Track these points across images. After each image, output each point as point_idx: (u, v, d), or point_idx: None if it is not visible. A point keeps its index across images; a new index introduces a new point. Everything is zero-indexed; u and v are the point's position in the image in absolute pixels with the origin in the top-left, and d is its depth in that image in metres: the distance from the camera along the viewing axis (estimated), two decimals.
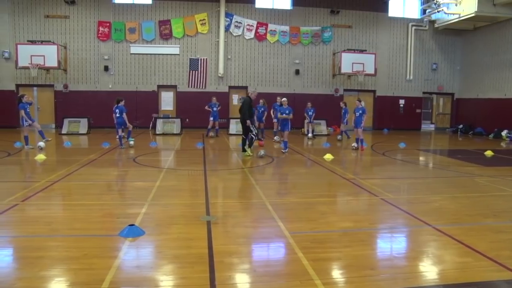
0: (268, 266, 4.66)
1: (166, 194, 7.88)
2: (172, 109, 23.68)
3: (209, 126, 19.40)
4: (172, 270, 4.47)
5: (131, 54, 22.99)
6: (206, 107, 19.44)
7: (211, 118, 19.27)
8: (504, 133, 22.08)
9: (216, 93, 23.12)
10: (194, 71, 23.50)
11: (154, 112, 22.57)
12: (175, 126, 20.68)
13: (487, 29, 24.35)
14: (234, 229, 5.88)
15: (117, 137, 14.90)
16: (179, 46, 23.34)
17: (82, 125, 20.12)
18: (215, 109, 19.21)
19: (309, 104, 19.58)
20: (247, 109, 13.03)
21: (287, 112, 14.33)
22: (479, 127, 24.38)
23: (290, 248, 5.13)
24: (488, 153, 15.07)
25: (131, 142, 15.13)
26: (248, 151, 13.09)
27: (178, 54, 23.40)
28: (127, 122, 14.86)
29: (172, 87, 23.66)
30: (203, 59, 23.50)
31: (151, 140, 17.39)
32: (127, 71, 23.09)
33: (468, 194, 8.60)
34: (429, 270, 4.68)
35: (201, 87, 23.53)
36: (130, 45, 22.94)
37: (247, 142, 13.15)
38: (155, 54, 23.22)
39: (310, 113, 19.49)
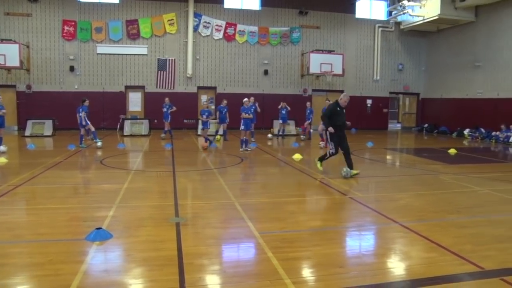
0: (238, 266, 4.67)
1: (134, 196, 7.77)
2: (140, 110, 23.36)
3: (165, 128, 19.02)
4: (141, 273, 4.41)
5: (97, 54, 22.55)
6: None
7: (164, 120, 18.97)
8: (466, 131, 22.84)
9: (185, 94, 23.02)
10: (162, 72, 23.26)
11: (122, 113, 22.20)
12: (143, 127, 20.42)
13: (450, 31, 25.11)
14: (204, 230, 5.85)
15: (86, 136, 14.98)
16: (147, 46, 23.05)
17: (47, 126, 19.59)
18: (165, 110, 18.86)
19: (282, 104, 19.67)
20: (328, 114, 10.21)
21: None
22: (443, 126, 25.11)
23: (260, 248, 5.14)
24: (452, 151, 15.53)
25: (99, 144, 14.86)
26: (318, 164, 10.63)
27: (146, 54, 23.11)
28: (83, 121, 14.85)
29: (140, 87, 23.35)
30: (172, 59, 23.29)
31: (118, 141, 17.10)
32: (93, 72, 22.63)
33: (433, 191, 8.83)
34: (396, 266, 4.79)
35: (169, 88, 23.31)
36: (97, 45, 22.50)
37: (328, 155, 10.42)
38: (122, 54, 22.85)
39: (283, 112, 19.57)
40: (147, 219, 6.30)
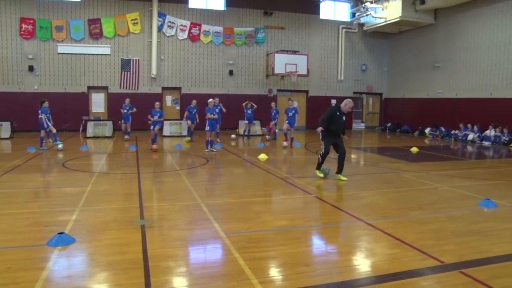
0: (205, 268, 4.64)
1: (98, 199, 7.61)
2: (103, 111, 22.89)
3: (123, 129, 18.72)
4: (105, 278, 4.32)
5: (58, 53, 21.91)
6: (121, 109, 18.89)
7: (122, 121, 18.62)
8: (427, 130, 23.53)
9: (149, 94, 22.71)
10: (126, 72, 22.87)
11: (84, 114, 21.69)
12: (107, 128, 20.00)
13: (411, 33, 25.82)
14: (170, 232, 5.80)
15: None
16: (110, 46, 22.60)
17: (5, 128, 18.88)
18: (125, 111, 18.52)
19: (248, 104, 19.70)
20: (325, 117, 9.92)
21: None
22: (406, 125, 25.78)
23: (226, 249, 5.14)
24: (414, 149, 15.97)
25: (60, 146, 14.47)
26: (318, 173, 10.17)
27: (109, 54, 22.66)
28: (44, 123, 14.54)
29: (103, 88, 22.87)
30: (135, 59, 22.94)
31: (81, 143, 16.70)
32: (54, 72, 21.98)
33: (396, 189, 9.05)
34: (361, 263, 4.89)
35: (133, 88, 22.95)
36: (57, 44, 21.86)
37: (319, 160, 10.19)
38: (84, 54, 22.29)
39: (249, 112, 19.60)
40: (112, 222, 6.19)
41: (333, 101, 12.08)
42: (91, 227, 5.97)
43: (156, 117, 15.25)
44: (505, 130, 19.14)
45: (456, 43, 22.44)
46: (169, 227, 6.02)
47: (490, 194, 8.21)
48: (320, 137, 10.08)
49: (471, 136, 20.40)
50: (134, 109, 18.59)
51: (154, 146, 14.72)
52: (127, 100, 18.85)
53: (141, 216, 6.46)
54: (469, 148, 18.40)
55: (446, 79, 23.22)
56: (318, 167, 10.15)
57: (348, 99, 10.05)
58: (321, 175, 10.05)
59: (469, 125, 20.99)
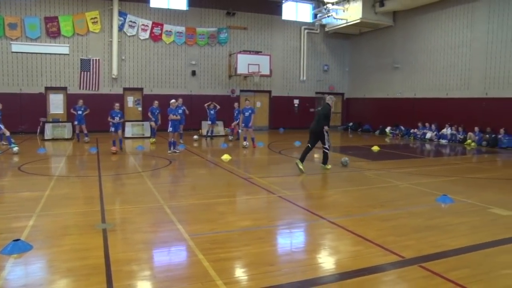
0: (169, 270, 4.58)
1: (57, 204, 7.38)
2: (62, 112, 22.21)
3: (77, 131, 18.21)
4: (65, 285, 4.19)
5: (12, 52, 21.04)
6: (72, 110, 18.38)
7: (76, 122, 18.04)
8: (388, 129, 24.11)
9: (110, 95, 22.24)
10: (85, 72, 22.31)
11: (42, 116, 20.99)
12: (66, 130, 19.45)
13: (371, 34, 26.41)
14: (133, 236, 5.70)
15: None
16: (68, 45, 21.95)
17: None
18: (80, 112, 17.98)
19: (212, 104, 19.62)
20: (328, 118, 11.20)
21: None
22: (367, 125, 26.34)
23: (191, 251, 5.10)
24: (375, 148, 16.34)
25: (15, 149, 13.93)
26: (328, 166, 11.40)
27: (68, 54, 22.00)
28: None
29: (62, 89, 22.20)
30: (95, 59, 22.40)
31: (39, 146, 16.16)
32: (8, 71, 21.12)
33: (358, 187, 9.23)
34: (325, 261, 4.96)
35: (93, 89, 22.41)
36: (11, 42, 20.99)
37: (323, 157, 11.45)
38: (41, 53, 21.53)
39: (212, 112, 19.51)
40: (72, 227, 6.02)
41: (329, 98, 12.40)
42: (49, 232, 5.78)
43: (117, 119, 14.82)
44: (460, 129, 19.87)
45: (414, 45, 23.11)
46: (132, 230, 5.92)
47: (447, 190, 8.50)
48: (327, 135, 11.25)
49: (429, 135, 21.06)
50: (88, 110, 18.10)
51: (114, 148, 14.40)
52: (81, 101, 18.25)
53: (102, 220, 6.32)
54: (428, 146, 18.99)
55: (405, 80, 23.87)
56: (326, 162, 11.43)
57: (332, 96, 12.14)
58: (329, 167, 11.40)
59: (427, 124, 21.67)
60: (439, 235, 5.81)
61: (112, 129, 14.77)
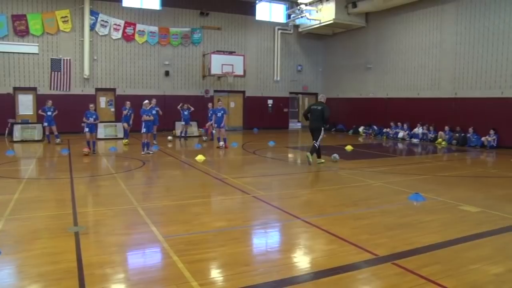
0: (143, 273, 4.53)
1: (27, 207, 7.18)
2: (32, 113, 21.63)
3: (47, 133, 17.75)
4: None
5: None
6: (40, 111, 17.89)
7: (45, 124, 17.60)
8: (361, 129, 24.45)
9: (82, 96, 21.87)
10: (56, 72, 21.83)
11: (10, 117, 20.41)
12: (36, 132, 18.96)
13: (344, 35, 26.71)
14: (106, 238, 5.60)
15: None
16: (38, 44, 21.43)
17: None
18: (49, 113, 17.51)
19: (185, 105, 19.49)
20: (327, 117, 12.30)
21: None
22: (340, 124, 26.63)
23: (165, 253, 5.05)
24: (348, 148, 16.52)
25: None
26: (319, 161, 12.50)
27: (38, 54, 21.46)
28: None
29: (32, 89, 21.65)
30: (66, 59, 21.95)
31: (7, 148, 15.73)
32: None
33: (332, 187, 9.32)
34: (300, 260, 4.98)
35: (64, 89, 21.95)
36: None
37: (315, 152, 12.45)
38: (8, 52, 20.90)
39: (186, 113, 19.40)
40: (42, 231, 5.88)
41: (321, 96, 13.15)
42: (19, 237, 5.63)
43: (91, 120, 14.40)
44: (431, 128, 20.31)
45: (386, 46, 23.49)
46: (105, 233, 5.83)
47: (419, 189, 8.67)
48: (323, 133, 12.48)
49: (401, 134, 21.44)
50: (56, 111, 17.70)
51: (86, 149, 14.10)
52: (49, 102, 17.75)
53: (74, 223, 6.20)
54: (400, 145, 19.33)
55: (377, 80, 24.24)
56: (319, 156, 12.47)
57: (324, 95, 13.76)
58: (323, 161, 12.46)
59: (399, 124, 22.07)
60: (411, 232, 5.92)
61: (87, 129, 14.37)
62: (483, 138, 17.73)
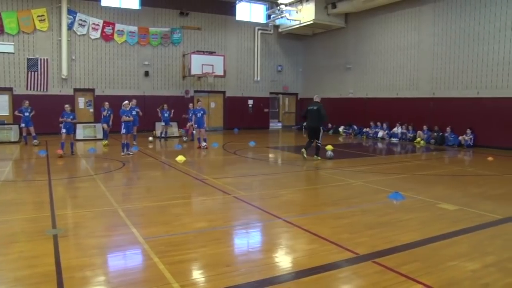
0: (124, 275, 4.48)
1: (3, 210, 7.04)
2: (7, 114, 21.15)
3: (24, 134, 17.35)
4: None
5: None
6: (16, 112, 17.52)
7: (23, 125, 17.22)
8: (341, 129, 24.63)
9: (60, 96, 21.52)
10: (33, 72, 21.42)
11: None
12: (12, 133, 18.56)
13: (324, 35, 26.89)
14: (85, 241, 5.52)
15: None
16: (13, 43, 20.96)
17: None
18: (26, 114, 17.13)
19: (165, 106, 19.37)
20: (324, 114, 13.39)
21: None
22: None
23: (146, 254, 5.01)
24: (329, 147, 16.56)
25: None
26: (318, 157, 13.38)
27: (13, 53, 21.01)
28: None
29: (7, 89, 21.18)
30: (44, 59, 21.56)
31: None
32: None
33: (313, 186, 9.38)
34: (282, 260, 4.99)
35: (42, 90, 21.54)
36: None
37: (314, 150, 13.39)
38: None
39: (166, 115, 19.28)
40: (19, 234, 5.76)
41: (316, 97, 13.72)
42: None
43: (69, 120, 14.10)
44: (410, 127, 20.59)
45: (365, 46, 23.74)
46: (85, 235, 5.74)
47: (398, 187, 8.79)
48: (322, 132, 13.45)
49: (380, 134, 21.70)
50: (33, 112, 17.36)
51: (60, 151, 13.73)
52: (26, 103, 17.36)
53: (53, 225, 6.10)
54: (379, 145, 19.55)
55: (357, 80, 24.47)
56: (318, 154, 13.31)
57: (318, 95, 14.23)
58: (319, 158, 13.27)
59: (378, 123, 22.32)
60: (391, 231, 6.00)
61: (63, 130, 14.08)
62: (460, 137, 18.06)
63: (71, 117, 14.26)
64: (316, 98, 13.94)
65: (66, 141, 14.15)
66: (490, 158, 14.16)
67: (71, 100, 21.71)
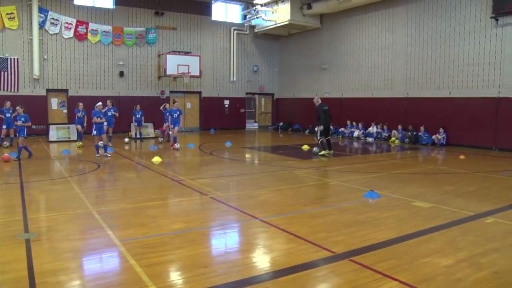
0: (100, 278, 4.40)
1: None
2: None
3: (2, 135, 16.75)
4: None
5: None
6: None
7: (4, 126, 16.75)
8: (317, 128, 24.72)
9: (32, 97, 21.05)
10: (3, 72, 20.88)
11: None
12: None
13: (299, 36, 27.06)
14: (59, 244, 5.41)
15: None
16: None
17: None
18: (8, 115, 16.70)
19: (137, 106, 19.17)
20: (319, 117, 14.75)
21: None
22: (297, 124, 26.96)
23: (122, 257, 4.94)
24: (305, 147, 16.74)
25: None
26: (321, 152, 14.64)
27: None
28: None
29: None
30: (14, 58, 21.03)
31: None
32: None
33: (289, 186, 9.40)
34: (259, 260, 4.99)
35: (12, 90, 21.01)
36: None
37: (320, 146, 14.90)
38: None
39: (138, 115, 19.08)
40: None
41: (316, 98, 14.14)
42: None
43: (20, 122, 13.32)
44: (385, 127, 20.89)
45: (340, 46, 23.98)
46: (59, 239, 5.62)
47: (374, 186, 8.90)
48: (319, 132, 14.91)
49: (356, 133, 21.95)
50: (16, 113, 16.89)
51: (6, 156, 12.93)
52: (8, 103, 16.96)
53: (25, 229, 5.95)
54: (355, 144, 19.78)
55: (332, 80, 24.69)
56: (320, 150, 14.61)
57: (316, 97, 15.41)
58: (322, 153, 14.50)
59: (354, 123, 22.56)
60: (367, 229, 6.07)
61: (4, 126, 12.84)
62: (433, 136, 18.41)
63: (23, 119, 13.37)
64: (319, 99, 15.26)
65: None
66: (462, 157, 14.48)
67: (43, 100, 21.33)
